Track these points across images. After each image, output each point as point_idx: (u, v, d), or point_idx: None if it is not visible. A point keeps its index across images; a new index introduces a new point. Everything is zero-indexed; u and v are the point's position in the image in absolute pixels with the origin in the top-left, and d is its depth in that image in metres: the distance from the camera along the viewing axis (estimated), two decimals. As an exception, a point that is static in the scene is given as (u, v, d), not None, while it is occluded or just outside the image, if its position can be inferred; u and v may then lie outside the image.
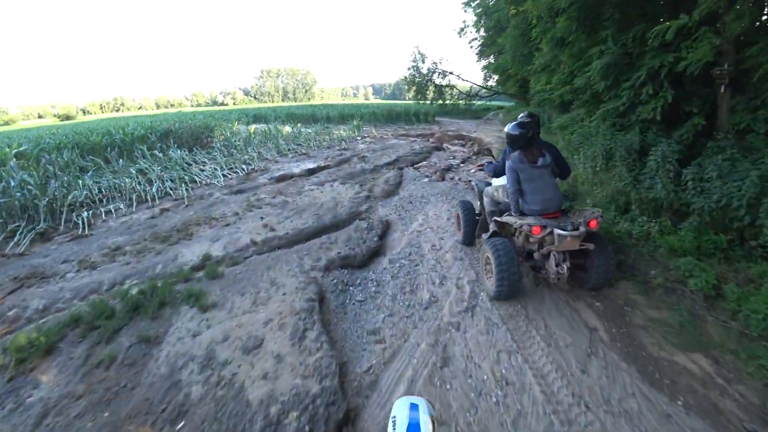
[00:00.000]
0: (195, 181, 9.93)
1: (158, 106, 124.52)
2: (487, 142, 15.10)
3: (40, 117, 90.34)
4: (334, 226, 6.18)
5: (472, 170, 10.56)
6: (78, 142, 14.18)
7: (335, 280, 4.47)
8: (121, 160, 12.29)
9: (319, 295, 4.12)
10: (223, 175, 10.69)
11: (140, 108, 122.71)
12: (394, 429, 1.10)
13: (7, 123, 64.86)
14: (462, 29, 31.83)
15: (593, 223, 3.48)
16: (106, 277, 4.82)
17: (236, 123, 23.99)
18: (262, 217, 6.48)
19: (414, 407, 1.16)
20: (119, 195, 8.84)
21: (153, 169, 10.62)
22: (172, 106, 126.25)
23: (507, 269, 3.67)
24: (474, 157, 12.69)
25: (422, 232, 5.90)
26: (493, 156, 5.91)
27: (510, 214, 3.93)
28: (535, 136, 4.02)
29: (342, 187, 8.31)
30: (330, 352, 3.28)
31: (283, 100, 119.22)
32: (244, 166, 11.76)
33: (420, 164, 11.19)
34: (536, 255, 3.84)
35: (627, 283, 4.15)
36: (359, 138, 18.20)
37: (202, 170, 11.37)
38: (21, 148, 12.08)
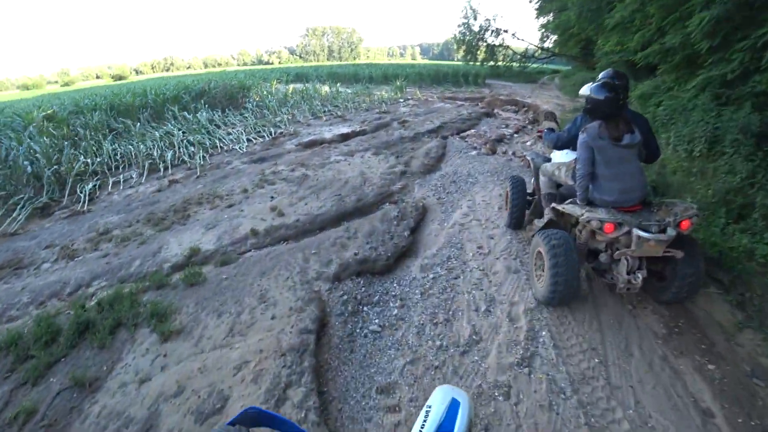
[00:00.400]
0: (217, 147, 9.02)
1: (206, 66, 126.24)
2: (544, 110, 13.14)
3: (98, 77, 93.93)
4: (358, 211, 5.00)
5: (528, 142, 8.92)
6: (113, 104, 13.72)
7: (345, 297, 3.33)
8: (152, 123, 11.69)
9: (319, 322, 3.00)
10: (249, 140, 9.73)
11: (189, 67, 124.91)
12: (424, 420, 1.01)
13: (66, 84, 67.71)
14: None
15: (685, 224, 2.64)
16: (76, 274, 3.96)
17: (275, 82, 22.89)
18: (272, 197, 5.40)
19: (454, 404, 1.07)
20: (135, 162, 8.08)
21: (176, 133, 9.80)
22: (219, 65, 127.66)
23: (564, 272, 2.83)
24: (530, 127, 10.92)
25: (466, 225, 4.59)
26: (557, 121, 4.36)
27: (574, 202, 3.03)
28: (625, 103, 2.97)
29: (374, 159, 7.05)
30: (316, 429, 2.19)
31: (328, 59, 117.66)
32: (273, 129, 10.75)
33: (467, 133, 9.64)
34: (603, 257, 2.96)
35: (753, 336, 2.73)
36: (402, 100, 16.63)
37: (229, 134, 10.50)
38: (48, 111, 11.65)
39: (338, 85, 21.44)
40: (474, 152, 7.69)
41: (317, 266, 3.69)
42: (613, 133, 2.75)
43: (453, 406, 1.06)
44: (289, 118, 12.88)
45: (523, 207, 4.26)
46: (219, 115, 13.40)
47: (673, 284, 2.85)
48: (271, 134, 10.28)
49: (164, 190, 6.38)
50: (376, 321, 3.11)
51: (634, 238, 2.63)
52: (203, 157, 8.07)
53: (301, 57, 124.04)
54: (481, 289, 3.37)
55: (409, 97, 17.64)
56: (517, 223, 4.35)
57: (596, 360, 2.62)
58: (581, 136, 2.89)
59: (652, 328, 2.88)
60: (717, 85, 5.86)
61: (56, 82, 76.29)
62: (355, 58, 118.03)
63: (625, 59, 13.58)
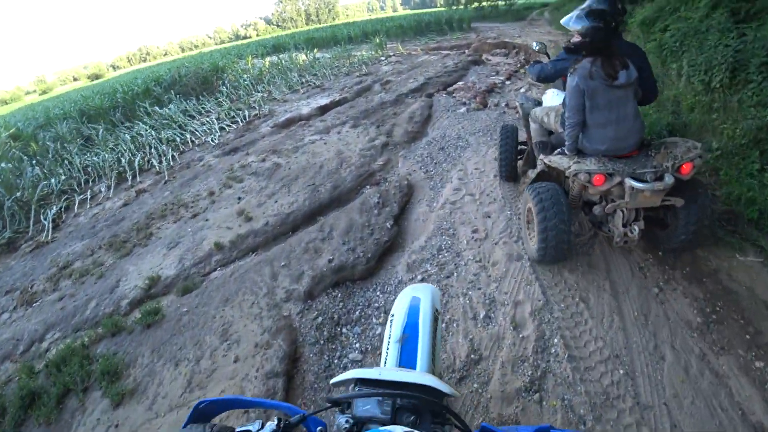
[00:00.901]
0: (189, 141, 8.41)
1: (182, 50, 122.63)
2: (534, 58, 12.13)
3: (75, 80, 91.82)
4: (334, 201, 4.44)
5: (522, 88, 8.13)
6: (83, 109, 13.10)
7: (320, 319, 2.83)
8: (125, 123, 11.18)
9: (289, 359, 2.53)
10: (223, 128, 9.11)
11: (165, 54, 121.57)
12: (390, 329, 1.05)
13: (44, 92, 66.00)
14: None
15: (686, 168, 2.32)
16: (30, 326, 3.52)
17: (250, 58, 21.74)
18: (240, 198, 4.85)
19: (414, 302, 1.08)
20: (104, 173, 7.54)
21: (145, 133, 9.19)
22: (195, 47, 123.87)
23: (554, 227, 2.61)
24: (522, 71, 10.01)
25: (458, 203, 4.01)
26: (547, 53, 3.65)
27: (563, 152, 2.72)
28: (618, 33, 2.62)
29: (352, 133, 6.39)
30: None
31: (307, 24, 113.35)
32: (248, 112, 10.07)
33: (454, 87, 8.81)
34: (597, 209, 2.67)
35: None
36: (383, 58, 15.60)
37: (203, 124, 9.84)
38: (11, 130, 11.06)
39: (315, 51, 20.27)
40: (463, 109, 6.97)
41: (287, 282, 3.19)
42: (608, 71, 2.34)
43: (413, 304, 1.07)
44: (265, 96, 12.12)
45: (513, 157, 4.04)
46: (194, 104, 12.74)
47: (677, 232, 2.58)
48: (245, 118, 9.59)
49: (131, 203, 5.86)
50: (357, 345, 2.62)
51: (627, 189, 2.37)
52: (173, 157, 7.50)
53: (278, 26, 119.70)
54: (479, 288, 2.84)
55: (391, 54, 16.56)
56: (508, 174, 4.13)
57: (621, 371, 2.12)
58: (570, 79, 2.48)
59: (684, 316, 2.35)
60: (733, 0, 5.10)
61: (34, 91, 74.69)
62: (334, 19, 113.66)
63: None
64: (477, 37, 17.20)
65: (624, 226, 2.55)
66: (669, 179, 2.29)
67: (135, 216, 5.24)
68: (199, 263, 3.77)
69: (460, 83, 9.25)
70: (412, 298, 1.10)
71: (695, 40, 5.21)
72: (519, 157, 4.12)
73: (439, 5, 33.79)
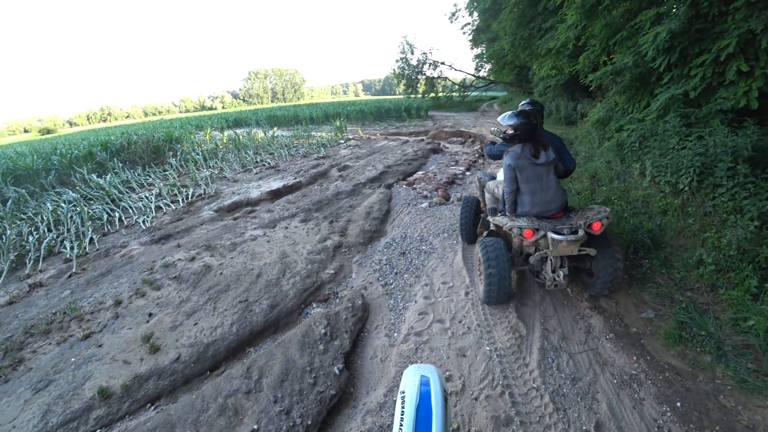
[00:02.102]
0: (118, 221, 7.31)
1: (146, 114, 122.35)
2: (490, 140, 12.42)
3: (26, 131, 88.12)
4: (270, 326, 3.54)
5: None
6: (12, 167, 11.72)
7: None
8: (56, 188, 9.97)
9: None
10: (159, 207, 8.13)
11: (128, 117, 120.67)
12: (403, 407, 1.06)
13: (-12, 140, 62.05)
14: (453, 14, 30.08)
15: (596, 226, 3.02)
16: None
17: (209, 130, 21.22)
18: (151, 314, 3.83)
19: (425, 382, 1.11)
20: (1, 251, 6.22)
21: (66, 205, 8.00)
22: (159, 113, 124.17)
23: (496, 273, 3.21)
24: (481, 161, 10.00)
25: (425, 334, 3.22)
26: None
27: (504, 213, 3.53)
28: (538, 126, 3.37)
29: (302, 229, 5.64)
30: None
31: (272, 101, 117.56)
32: (193, 190, 9.18)
33: (415, 177, 8.50)
34: (531, 258, 3.34)
35: None
36: (342, 141, 15.51)
37: (141, 199, 8.82)
38: None
39: (275, 129, 20.11)
40: (425, 203, 6.48)
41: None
42: (532, 153, 3.22)
43: (424, 384, 1.11)
44: (216, 173, 11.35)
45: (474, 222, 4.56)
46: (139, 174, 11.79)
47: (597, 278, 3.28)
48: (187, 197, 8.68)
49: (18, 302, 4.64)
50: None
51: (550, 240, 3.03)
52: (92, 240, 6.38)
53: (244, 100, 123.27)
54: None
55: (351, 137, 16.59)
56: (468, 237, 4.63)
57: None
58: (505, 159, 3.35)
59: None
60: (681, 105, 5.26)
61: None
62: (299, 99, 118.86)
63: (561, 82, 13.36)
64: (434, 125, 17.73)
65: (553, 272, 3.23)
66: (581, 233, 2.96)
67: (12, 326, 4.03)
68: (71, 422, 2.67)
69: (420, 173, 8.96)
70: (421, 376, 1.12)
71: (655, 141, 5.16)
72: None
73: (398, 93, 35.75)
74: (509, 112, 3.37)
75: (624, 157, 6.12)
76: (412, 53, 29.37)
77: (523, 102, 3.86)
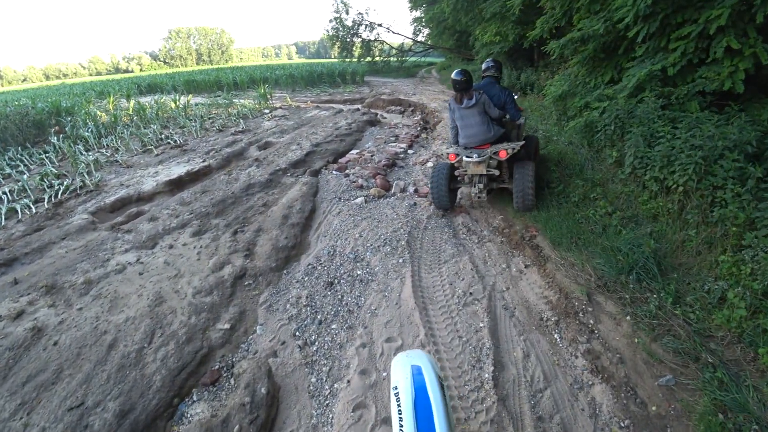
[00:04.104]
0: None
1: (47, 77, 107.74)
2: (432, 108, 11.20)
3: None
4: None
5: (430, 162, 6.69)
6: None
7: None
8: None
9: None
10: (14, 210, 6.16)
11: (24, 80, 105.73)
12: (399, 403, 1.00)
13: None
14: None
15: (502, 154, 4.01)
16: None
17: (111, 99, 18.10)
18: None
19: (417, 372, 1.05)
20: None
21: None
22: (65, 76, 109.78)
23: (435, 185, 4.42)
24: (424, 135, 8.76)
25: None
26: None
27: (450, 145, 4.61)
28: (470, 83, 4.24)
29: (192, 249, 4.11)
30: None
31: (197, 64, 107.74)
32: (72, 180, 7.24)
33: (348, 158, 7.10)
34: (457, 173, 4.43)
35: None
36: (267, 111, 13.55)
37: (5, 196, 6.73)
38: None
39: (190, 97, 17.47)
40: (360, 197, 5.16)
41: None
42: (457, 100, 4.30)
43: (417, 375, 1.04)
44: (108, 155, 9.23)
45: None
46: (8, 159, 9.40)
47: (514, 195, 4.17)
48: (56, 195, 6.70)
49: None
50: None
51: (464, 162, 4.18)
52: None
53: (165, 62, 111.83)
54: None
55: (279, 105, 14.63)
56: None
57: None
58: (448, 104, 4.58)
59: None
60: (658, 83, 4.57)
61: None
62: (227, 61, 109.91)
63: (505, 50, 12.37)
64: (371, 92, 16.20)
65: (472, 186, 4.32)
66: (482, 156, 4.06)
67: None
68: None
69: (354, 152, 7.57)
70: (411, 366, 1.07)
71: (635, 126, 4.20)
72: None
73: (334, 57, 33.31)
74: (455, 71, 4.27)
75: (593, 140, 5.16)
76: (347, 13, 27.04)
77: (487, 60, 4.77)
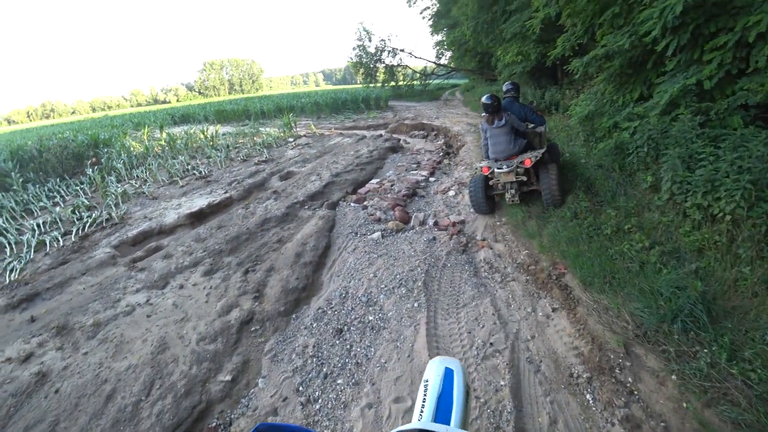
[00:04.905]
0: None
1: (94, 110, 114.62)
2: (456, 132, 11.03)
3: None
4: None
5: (452, 191, 6.48)
6: None
7: None
8: None
9: None
10: (44, 242, 6.33)
11: (73, 113, 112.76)
12: (425, 395, 1.10)
13: None
14: None
15: (527, 162, 4.65)
16: None
17: (146, 129, 18.86)
18: None
19: (449, 374, 1.15)
20: None
21: None
22: (108, 108, 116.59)
23: (473, 194, 5.08)
24: (446, 161, 8.57)
25: None
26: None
27: (482, 160, 5.37)
28: (499, 105, 4.95)
29: (202, 290, 4.00)
30: None
31: (230, 93, 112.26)
32: (100, 212, 7.44)
33: (367, 188, 6.98)
34: (493, 185, 5.12)
35: None
36: (291, 140, 13.74)
37: (28, 230, 6.96)
38: None
39: (218, 127, 18.02)
40: (377, 232, 4.98)
41: None
42: (489, 122, 4.97)
43: (447, 376, 1.15)
44: (137, 186, 9.49)
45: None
46: (49, 189, 9.85)
47: (543, 195, 4.73)
48: (83, 228, 6.85)
49: None
50: None
51: (495, 173, 4.84)
52: None
53: (200, 93, 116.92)
54: None
55: (303, 133, 14.83)
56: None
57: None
58: (480, 125, 5.22)
59: None
60: (694, 98, 4.20)
61: None
62: (257, 90, 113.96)
63: (527, 69, 12.17)
64: (394, 117, 16.21)
65: (508, 192, 4.92)
66: (510, 166, 4.72)
67: None
68: None
69: (374, 181, 7.45)
70: (445, 368, 1.16)
71: (671, 146, 3.89)
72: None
73: (358, 83, 33.94)
74: (485, 96, 4.96)
75: (625, 163, 4.84)
76: (370, 40, 27.54)
77: (506, 83, 5.67)
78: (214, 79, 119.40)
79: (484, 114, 5.06)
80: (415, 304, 3.45)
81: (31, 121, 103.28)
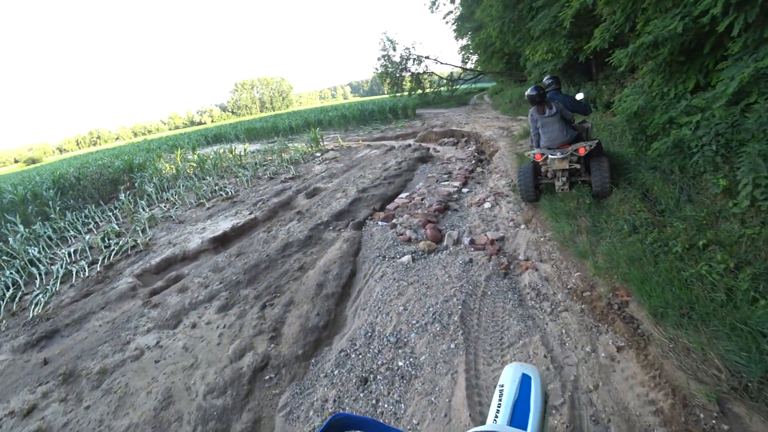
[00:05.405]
0: (15, 299, 5.46)
1: (135, 134, 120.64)
2: (487, 137, 10.46)
3: (16, 162, 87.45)
4: None
5: (487, 203, 5.95)
6: None
7: None
8: None
9: None
10: (70, 272, 6.26)
11: (117, 138, 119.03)
12: (500, 400, 1.06)
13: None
14: (433, 2, 27.70)
15: (582, 150, 4.65)
16: None
17: (179, 152, 19.23)
18: None
19: (526, 380, 1.10)
20: None
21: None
22: (149, 132, 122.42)
23: (523, 182, 5.22)
24: (479, 170, 8.03)
25: None
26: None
27: (532, 147, 5.26)
28: (544, 95, 5.00)
29: (216, 327, 3.64)
30: None
31: (261, 111, 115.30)
32: (128, 238, 7.39)
33: (396, 203, 6.54)
34: (542, 169, 5.25)
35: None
36: (318, 154, 13.53)
37: (59, 259, 6.98)
38: None
39: (246, 146, 18.14)
40: (407, 255, 4.50)
41: None
42: (539, 112, 4.96)
43: (525, 382, 1.10)
44: (166, 209, 9.46)
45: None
46: (86, 215, 10.02)
47: (593, 183, 4.69)
48: (108, 257, 6.75)
49: None
50: None
51: (549, 159, 4.84)
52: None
53: (233, 112, 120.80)
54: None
55: (330, 147, 14.62)
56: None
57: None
58: (529, 115, 5.17)
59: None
60: (766, 84, 3.57)
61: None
62: (287, 106, 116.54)
63: (559, 67, 11.48)
64: (422, 125, 15.76)
65: (557, 180, 4.94)
66: (565, 153, 4.71)
67: None
68: None
69: (403, 195, 7.00)
70: (522, 374, 1.11)
71: (751, 142, 3.25)
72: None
73: (385, 93, 33.82)
74: (530, 88, 5.05)
75: (688, 164, 4.18)
76: (394, 49, 27.41)
77: (547, 77, 5.71)
78: (246, 98, 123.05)
79: (532, 107, 5.12)
80: (452, 345, 2.95)
81: (80, 148, 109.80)
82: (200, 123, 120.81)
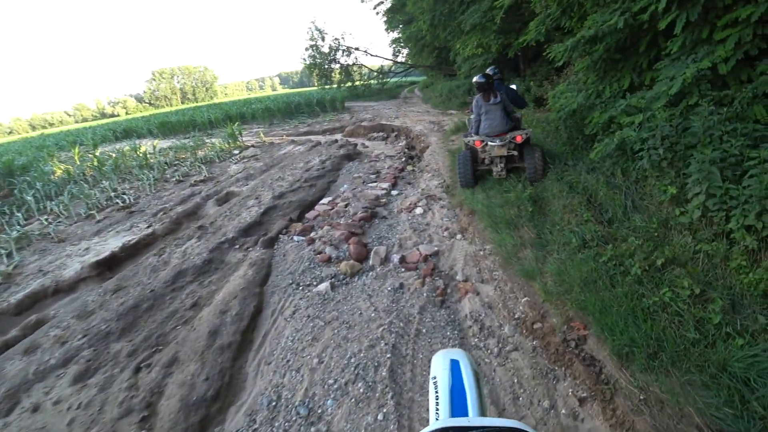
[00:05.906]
0: None
1: (33, 128, 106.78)
2: (418, 132, 9.97)
3: None
4: None
5: (419, 208, 5.39)
6: None
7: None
8: None
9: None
10: None
11: (10, 132, 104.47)
12: (437, 392, 1.04)
13: None
14: None
15: (518, 138, 4.95)
16: None
17: (77, 150, 16.65)
18: None
19: (455, 365, 1.10)
20: None
21: None
22: (51, 125, 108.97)
23: (462, 169, 5.38)
24: (412, 167, 7.48)
25: None
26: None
27: (470, 135, 5.48)
28: (493, 83, 5.27)
29: (63, 413, 2.63)
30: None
31: (182, 103, 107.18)
32: None
33: (317, 210, 5.76)
34: (482, 159, 5.45)
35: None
36: (237, 151, 12.28)
37: None
38: None
39: (156, 142, 16.22)
40: (326, 282, 3.76)
41: None
42: (485, 99, 5.16)
43: (455, 367, 1.09)
44: (47, 222, 7.90)
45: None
46: None
47: (527, 170, 4.98)
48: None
49: None
50: None
51: (488, 146, 5.09)
52: None
53: (150, 104, 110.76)
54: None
55: (251, 143, 13.38)
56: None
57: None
58: (474, 100, 5.37)
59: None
60: (708, 85, 3.47)
61: None
62: (211, 98, 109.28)
63: (489, 62, 11.39)
64: (351, 119, 15.02)
65: (495, 166, 5.24)
66: (504, 141, 4.97)
67: None
68: None
69: (325, 201, 6.24)
70: (450, 360, 1.11)
71: (701, 148, 2.96)
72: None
73: (315, 85, 32.52)
74: (478, 75, 5.27)
75: (630, 168, 3.87)
76: (323, 40, 26.44)
77: (491, 68, 6.09)
78: (165, 88, 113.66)
79: (478, 93, 5.30)
80: (380, 416, 2.29)
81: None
82: (113, 115, 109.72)
